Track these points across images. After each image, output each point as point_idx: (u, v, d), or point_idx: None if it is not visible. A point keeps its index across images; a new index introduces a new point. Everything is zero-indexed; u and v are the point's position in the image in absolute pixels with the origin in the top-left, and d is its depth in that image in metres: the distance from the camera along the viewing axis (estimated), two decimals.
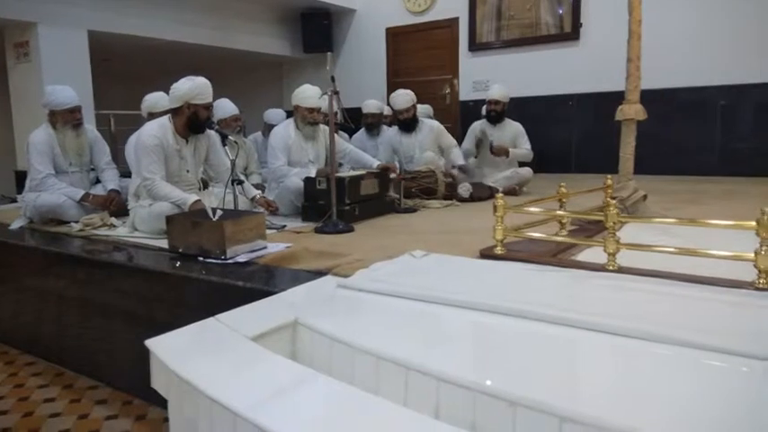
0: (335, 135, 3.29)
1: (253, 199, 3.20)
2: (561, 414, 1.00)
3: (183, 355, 1.33)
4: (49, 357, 3.00)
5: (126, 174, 3.70)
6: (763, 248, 1.60)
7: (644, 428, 0.94)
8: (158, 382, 1.37)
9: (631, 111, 2.89)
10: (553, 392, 1.07)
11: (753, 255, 1.62)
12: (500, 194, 2.16)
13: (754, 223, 1.61)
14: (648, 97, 3.17)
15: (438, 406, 1.18)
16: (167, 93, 3.15)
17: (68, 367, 2.89)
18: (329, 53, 3.14)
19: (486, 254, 2.17)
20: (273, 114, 5.06)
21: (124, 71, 8.67)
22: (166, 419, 2.30)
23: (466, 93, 6.90)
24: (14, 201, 4.50)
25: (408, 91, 4.46)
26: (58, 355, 2.95)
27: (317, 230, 2.98)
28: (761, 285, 1.60)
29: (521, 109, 5.40)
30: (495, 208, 2.11)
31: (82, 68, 5.30)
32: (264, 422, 1.00)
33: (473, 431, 1.09)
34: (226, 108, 4.11)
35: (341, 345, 1.41)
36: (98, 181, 3.69)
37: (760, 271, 1.61)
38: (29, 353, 3.12)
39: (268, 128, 4.91)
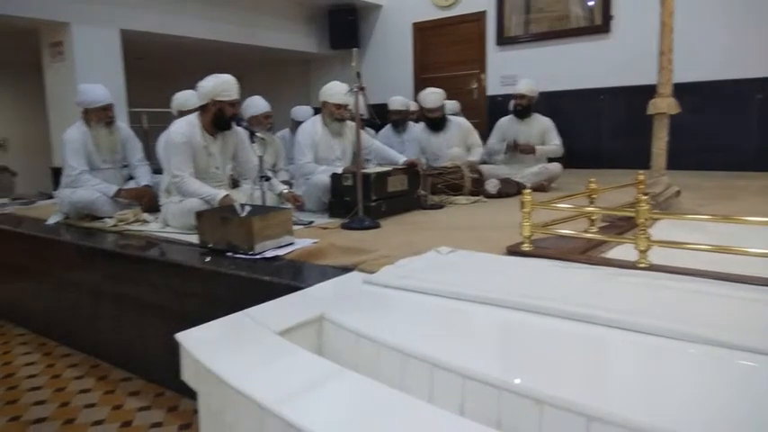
0: (362, 131, 3.30)
1: (280, 194, 3.23)
2: (589, 413, 0.99)
3: (212, 348, 1.36)
4: (84, 349, 3.09)
5: (158, 170, 3.77)
6: None
7: (674, 429, 0.92)
8: (188, 375, 1.40)
9: (664, 104, 2.83)
10: (580, 391, 1.06)
11: None
12: (528, 190, 2.13)
13: None
14: (681, 90, 3.10)
15: (463, 403, 1.17)
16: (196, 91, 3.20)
17: (103, 359, 2.96)
18: (355, 49, 3.13)
19: (513, 250, 2.15)
20: (301, 111, 5.09)
21: (156, 69, 8.84)
22: (197, 411, 2.36)
23: (493, 88, 6.84)
24: (51, 197, 4.63)
25: (439, 90, 4.44)
26: (93, 348, 3.03)
27: (344, 226, 2.99)
28: None
29: (550, 103, 5.33)
30: (522, 204, 2.09)
31: (115, 67, 5.41)
32: (291, 416, 1.01)
33: (499, 429, 1.08)
34: (258, 105, 4.15)
35: (367, 340, 1.42)
36: (131, 178, 3.77)
37: None
38: (65, 344, 3.21)
39: (295, 124, 4.94)
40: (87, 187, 3.44)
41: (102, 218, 3.40)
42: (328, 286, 1.89)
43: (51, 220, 3.55)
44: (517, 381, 1.11)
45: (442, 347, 1.30)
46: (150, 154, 4.25)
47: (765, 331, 1.26)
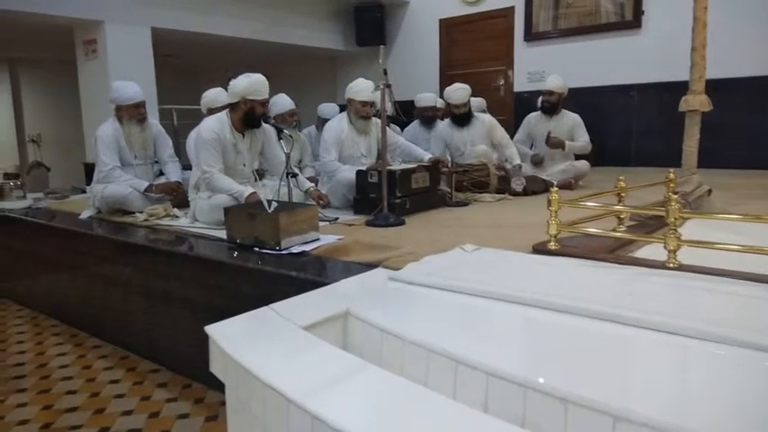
0: (387, 128, 3.30)
1: (306, 191, 3.26)
2: (615, 413, 0.98)
3: (240, 341, 1.38)
4: (114, 341, 3.16)
5: (187, 167, 3.84)
6: None
7: (701, 429, 0.91)
8: (216, 367, 1.43)
9: (696, 102, 2.76)
10: (607, 391, 1.05)
11: None
12: (555, 188, 2.11)
13: None
14: (714, 87, 3.03)
15: (487, 401, 1.17)
16: (225, 88, 3.24)
17: (132, 351, 3.03)
18: (381, 46, 3.15)
19: (539, 249, 2.13)
20: (327, 108, 5.11)
21: (185, 67, 8.98)
22: (224, 403, 2.39)
23: (521, 84, 6.77)
24: (84, 192, 4.75)
25: (465, 85, 4.41)
26: (123, 340, 3.11)
27: (369, 223, 3.01)
28: None
29: (579, 100, 5.25)
30: (549, 202, 2.07)
31: (146, 64, 5.51)
32: (317, 409, 1.02)
33: (523, 427, 1.08)
34: (283, 103, 4.19)
35: (391, 336, 1.42)
36: (161, 173, 3.85)
37: None
38: (96, 336, 3.29)
39: (321, 122, 4.97)
40: (119, 182, 3.52)
41: (133, 213, 3.48)
42: (353, 282, 1.91)
43: (84, 215, 3.64)
44: (541, 379, 1.10)
45: (466, 345, 1.30)
46: (180, 151, 4.33)
47: None
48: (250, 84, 3.04)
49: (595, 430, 1.01)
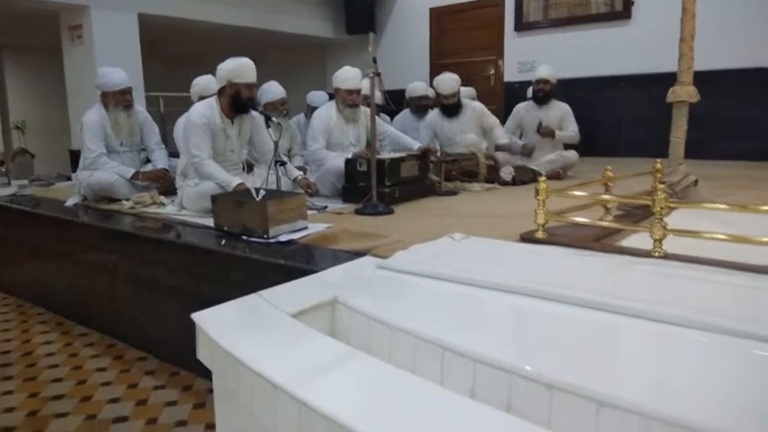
0: (376, 117, 3.29)
1: (294, 180, 3.25)
2: (599, 399, 0.99)
3: (227, 328, 1.38)
4: (101, 329, 3.15)
5: (174, 154, 3.81)
6: None
7: (685, 416, 0.92)
8: (203, 354, 1.42)
9: (684, 92, 2.78)
10: (592, 377, 1.06)
11: None
12: (543, 178, 2.12)
13: None
14: (702, 78, 3.05)
15: (474, 387, 1.18)
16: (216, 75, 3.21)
17: (119, 339, 3.02)
18: (371, 34, 3.12)
19: (527, 238, 2.14)
20: (316, 96, 5.08)
21: (172, 54, 8.88)
22: (211, 390, 2.39)
23: (511, 74, 6.77)
24: (69, 179, 4.70)
25: (454, 75, 4.40)
26: (110, 328, 3.09)
27: (358, 212, 3.00)
28: None
29: (568, 90, 5.26)
30: (536, 191, 2.08)
31: (132, 51, 5.44)
32: (305, 396, 1.03)
33: (509, 413, 1.09)
34: (274, 91, 4.16)
35: (379, 324, 1.43)
36: (148, 161, 3.81)
37: None
38: (83, 324, 3.27)
39: (311, 110, 4.93)
40: (105, 170, 3.48)
41: (119, 200, 3.45)
42: (341, 270, 1.91)
43: (70, 202, 3.61)
44: (528, 366, 1.11)
45: (454, 332, 1.31)
46: (166, 138, 4.29)
47: None
48: (235, 67, 3.01)
49: (579, 416, 1.02)
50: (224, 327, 1.39)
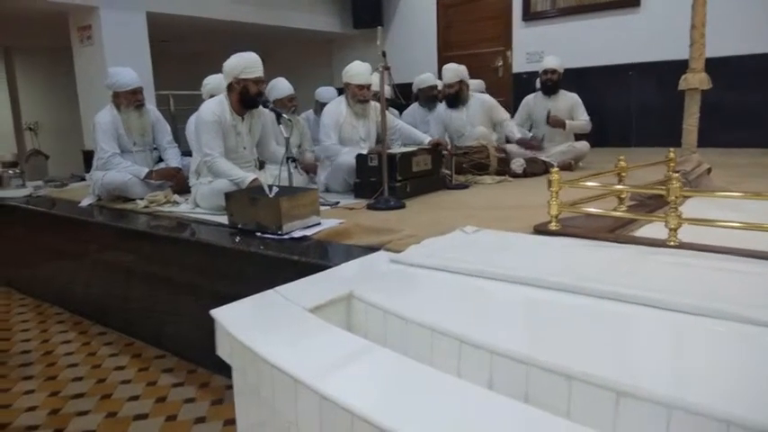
0: (386, 111, 3.29)
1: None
2: (619, 389, 1.00)
3: (246, 324, 1.39)
4: (118, 328, 3.18)
5: (187, 153, 3.83)
6: None
7: (703, 403, 0.92)
8: (223, 350, 1.44)
9: (695, 80, 2.76)
10: (609, 368, 1.07)
11: None
12: (555, 169, 2.12)
13: None
14: (713, 65, 3.02)
15: (492, 379, 1.19)
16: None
17: (137, 337, 3.05)
18: (379, 27, 3.11)
19: (541, 229, 2.14)
20: (325, 92, 5.08)
21: (181, 52, 8.91)
22: (229, 387, 2.43)
23: (519, 65, 6.73)
24: (83, 179, 4.74)
25: (457, 66, 4.39)
26: (127, 326, 3.13)
27: (369, 207, 3.01)
28: None
29: (577, 80, 5.23)
30: (549, 183, 2.08)
31: (142, 50, 5.48)
32: (325, 390, 1.04)
33: (527, 404, 1.10)
34: (282, 88, 4.16)
35: (395, 318, 1.44)
36: (160, 160, 3.84)
37: None
38: (100, 323, 3.31)
39: (319, 106, 4.94)
40: (119, 169, 3.52)
41: (133, 199, 3.48)
42: (356, 265, 1.92)
43: (85, 202, 3.65)
44: (545, 357, 1.12)
45: (470, 324, 1.32)
46: (178, 137, 4.32)
47: None
48: (240, 62, 3.00)
49: (598, 405, 1.03)
50: (243, 323, 1.41)
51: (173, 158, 3.79)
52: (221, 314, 1.47)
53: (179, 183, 3.59)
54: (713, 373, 1.07)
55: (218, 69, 3.27)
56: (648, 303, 1.36)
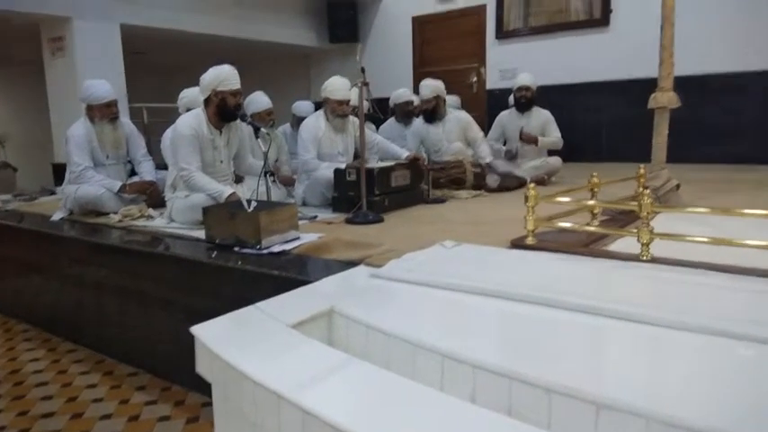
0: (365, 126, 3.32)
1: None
2: (598, 401, 1.02)
3: (228, 340, 1.38)
4: (89, 345, 3.11)
5: (161, 166, 3.79)
6: None
7: (679, 415, 0.95)
8: (203, 367, 1.43)
9: (665, 98, 2.85)
10: (585, 380, 1.09)
11: None
12: (532, 185, 2.16)
13: None
14: (681, 84, 3.13)
15: (474, 393, 1.21)
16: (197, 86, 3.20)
17: (108, 354, 2.98)
18: (359, 44, 3.16)
19: (517, 244, 2.18)
20: (302, 106, 5.10)
21: (155, 64, 8.83)
22: (205, 404, 2.40)
23: (493, 81, 6.86)
24: (53, 193, 4.64)
25: (434, 82, 4.45)
26: (99, 343, 3.06)
27: (348, 221, 3.02)
28: None
29: (549, 97, 5.35)
30: (526, 198, 2.12)
31: (115, 62, 5.42)
32: (308, 404, 1.04)
33: (509, 416, 1.11)
34: (260, 102, 4.15)
35: (377, 332, 1.44)
36: (134, 173, 3.79)
37: None
38: (70, 340, 3.23)
39: (297, 120, 4.95)
40: (92, 183, 3.46)
41: (106, 213, 3.42)
42: (336, 280, 1.92)
43: (56, 217, 3.57)
44: (526, 371, 1.14)
45: (451, 339, 1.33)
46: (152, 149, 4.27)
47: (765, 321, 1.29)
48: (217, 74, 2.99)
49: (579, 418, 1.05)
50: (224, 339, 1.40)
51: (147, 172, 3.75)
52: (202, 331, 1.45)
53: (153, 196, 3.55)
54: (688, 384, 1.11)
55: (194, 82, 3.26)
56: (624, 317, 1.40)
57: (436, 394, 1.08)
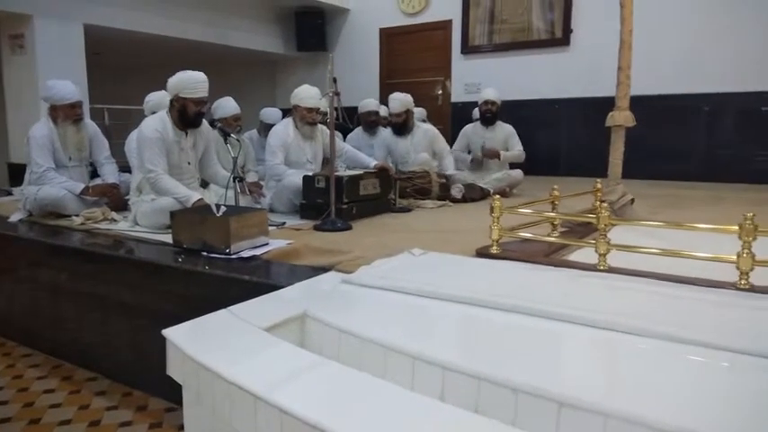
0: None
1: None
2: (560, 400, 1.09)
3: (201, 343, 1.40)
4: (46, 350, 3.03)
5: (124, 168, 3.74)
6: (745, 251, 1.70)
7: (632, 411, 1.03)
8: (174, 370, 1.44)
9: (621, 117, 2.99)
10: (547, 381, 1.16)
11: (735, 257, 1.72)
12: (497, 196, 2.25)
13: (736, 227, 1.71)
14: (635, 103, 3.28)
15: (443, 392, 1.26)
16: (163, 89, 3.19)
17: (66, 359, 2.91)
18: (331, 55, 3.21)
19: (482, 253, 2.26)
20: (270, 113, 5.10)
21: (117, 65, 8.65)
22: (168, 410, 2.38)
23: (458, 95, 7.00)
24: (9, 193, 4.50)
25: (404, 96, 4.52)
26: (56, 348, 2.98)
27: (317, 228, 3.04)
28: (742, 286, 1.71)
29: (511, 112, 5.51)
30: (491, 209, 2.20)
31: (77, 62, 5.30)
32: (285, 403, 1.08)
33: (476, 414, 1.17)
34: (228, 107, 4.14)
35: (349, 336, 1.49)
36: (96, 175, 3.73)
37: (741, 272, 1.72)
38: (26, 345, 3.14)
39: (264, 126, 4.95)
40: (53, 184, 3.38)
41: (68, 216, 3.35)
42: (307, 285, 1.95)
43: (14, 218, 3.48)
44: (491, 371, 1.20)
45: (421, 342, 1.39)
46: (113, 152, 4.20)
47: (711, 327, 1.40)
48: (182, 80, 2.97)
49: (542, 415, 1.11)
50: (197, 342, 1.42)
51: (110, 174, 3.69)
52: (174, 333, 1.47)
53: (116, 199, 3.50)
54: (641, 384, 1.19)
55: (157, 85, 3.23)
56: (582, 322, 1.48)
57: (409, 393, 1.13)
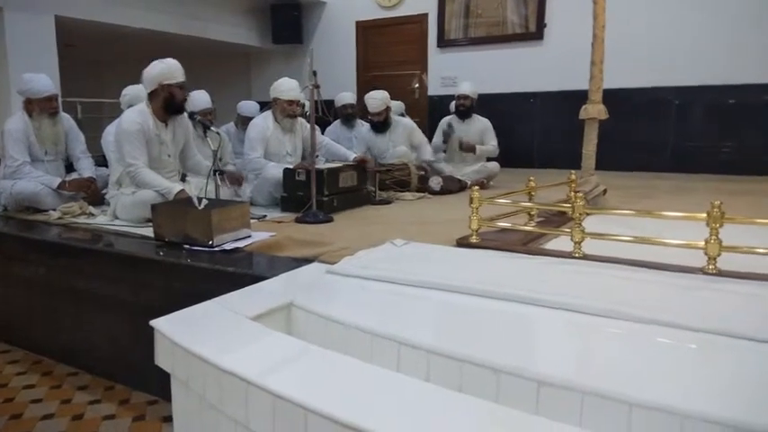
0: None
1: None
2: (539, 379, 1.15)
3: (190, 333, 1.43)
4: (24, 345, 3.01)
5: (100, 162, 3.70)
6: (713, 238, 1.79)
7: (604, 387, 1.09)
8: (164, 360, 1.46)
9: (594, 111, 3.08)
10: (526, 361, 1.22)
11: (703, 243, 1.81)
12: (476, 188, 2.30)
13: (704, 215, 1.79)
14: (608, 96, 3.37)
15: (428, 374, 1.31)
16: (137, 83, 3.16)
17: (46, 355, 2.90)
18: (311, 48, 3.22)
19: (463, 242, 2.31)
20: (247, 106, 5.09)
21: (89, 58, 8.49)
22: (151, 402, 2.39)
23: (434, 88, 7.05)
24: None
25: (381, 94, 4.53)
26: (35, 343, 2.96)
27: (298, 220, 3.07)
28: (710, 271, 1.79)
29: (487, 105, 5.58)
30: (471, 200, 2.26)
31: (49, 55, 5.18)
32: (277, 388, 1.11)
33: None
34: (200, 101, 4.11)
35: (335, 324, 1.53)
36: (72, 169, 3.68)
37: (709, 258, 1.80)
38: (3, 341, 3.11)
39: (241, 119, 4.94)
40: (29, 179, 3.34)
41: (44, 210, 3.31)
42: (292, 276, 1.99)
43: None
44: (473, 353, 1.26)
45: (405, 328, 1.44)
46: (87, 146, 4.15)
47: (681, 310, 1.47)
48: (164, 68, 2.98)
49: (522, 394, 1.17)
50: (186, 331, 1.44)
51: (86, 168, 3.65)
52: (162, 323, 1.49)
53: (92, 194, 3.47)
54: (615, 364, 1.26)
55: (130, 77, 3.20)
56: (558, 306, 1.55)
57: (394, 375, 1.18)
